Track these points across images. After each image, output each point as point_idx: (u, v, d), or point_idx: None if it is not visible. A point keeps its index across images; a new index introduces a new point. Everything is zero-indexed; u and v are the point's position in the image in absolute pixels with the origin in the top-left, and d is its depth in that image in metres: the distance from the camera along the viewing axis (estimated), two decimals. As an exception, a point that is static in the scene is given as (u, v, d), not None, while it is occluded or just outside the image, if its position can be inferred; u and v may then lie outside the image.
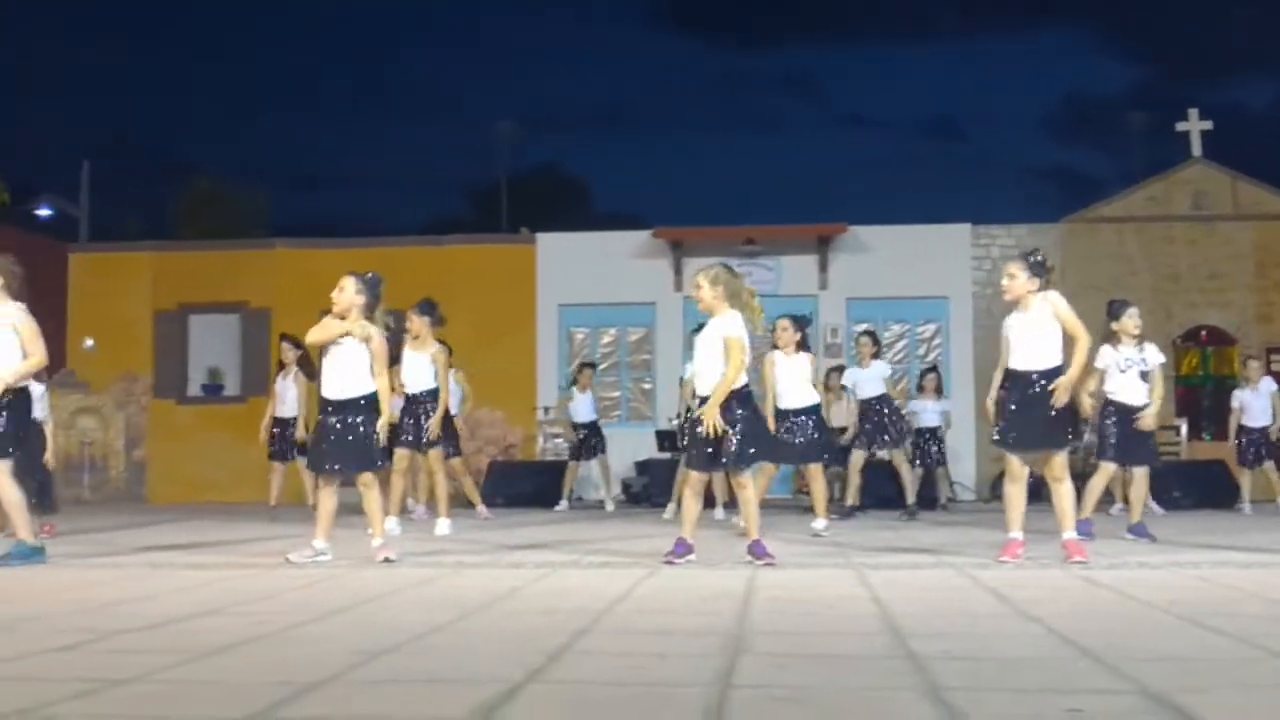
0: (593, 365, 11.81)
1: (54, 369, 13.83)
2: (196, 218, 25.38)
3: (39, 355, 5.53)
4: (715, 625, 3.31)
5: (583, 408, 11.22)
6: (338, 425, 5.52)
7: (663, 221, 14.55)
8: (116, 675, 2.59)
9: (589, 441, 11.14)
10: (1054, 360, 5.37)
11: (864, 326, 11.66)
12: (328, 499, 5.60)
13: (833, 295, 13.67)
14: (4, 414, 5.38)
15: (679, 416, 9.12)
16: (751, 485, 5.44)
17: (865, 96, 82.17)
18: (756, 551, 5.24)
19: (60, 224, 20.07)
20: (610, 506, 11.11)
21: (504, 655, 2.83)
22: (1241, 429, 10.53)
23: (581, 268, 13.83)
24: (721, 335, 5.28)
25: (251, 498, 10.31)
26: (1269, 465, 10.38)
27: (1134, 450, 6.93)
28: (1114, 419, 6.90)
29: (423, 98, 71.50)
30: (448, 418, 8.70)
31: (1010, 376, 5.49)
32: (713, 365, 5.29)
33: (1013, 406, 5.43)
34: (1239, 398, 10.64)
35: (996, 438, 5.53)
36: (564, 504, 11.02)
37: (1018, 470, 5.46)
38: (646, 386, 13.72)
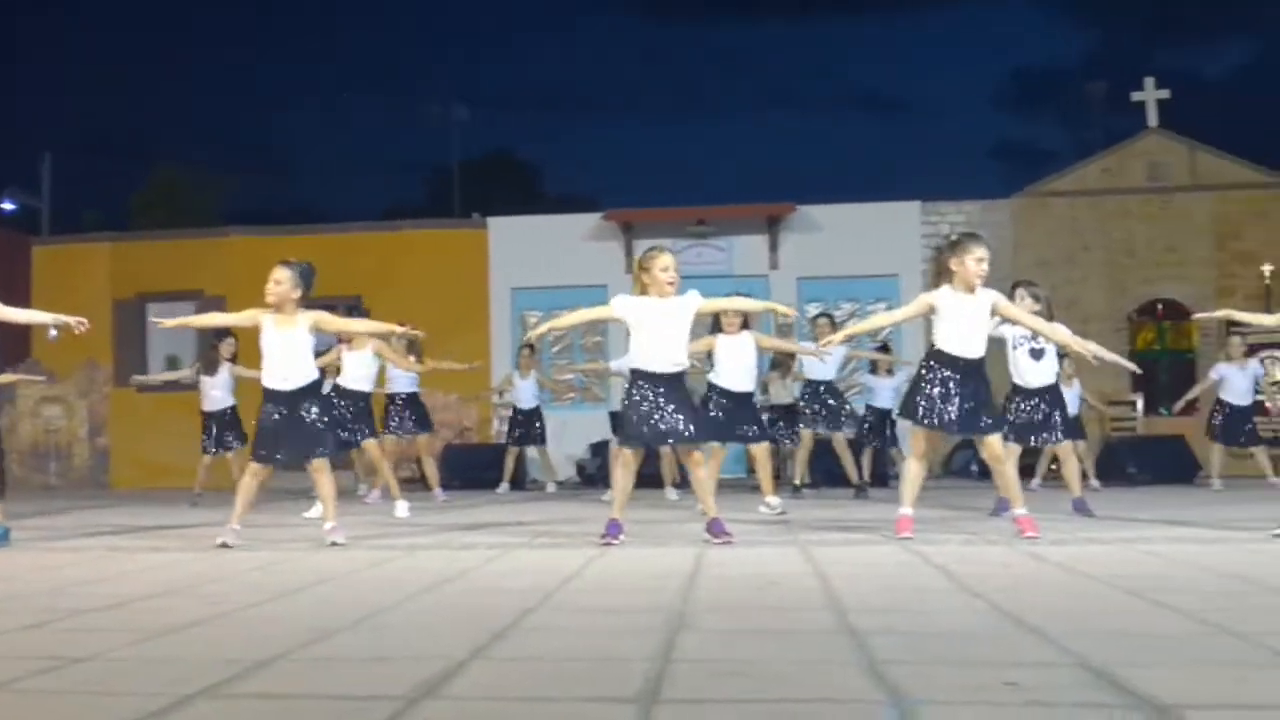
0: (532, 348, 11.79)
1: (20, 357, 13.76)
2: (154, 209, 25.12)
3: None
4: (661, 602, 3.37)
5: (525, 393, 11.23)
6: (284, 415, 5.50)
7: (616, 204, 14.60)
8: (76, 653, 2.65)
9: (531, 427, 11.17)
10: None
11: (817, 308, 11.75)
12: (253, 486, 5.62)
13: (784, 275, 13.71)
14: None
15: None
16: (704, 464, 5.51)
17: (809, 75, 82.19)
18: (715, 530, 5.27)
19: (24, 217, 19.86)
20: (551, 488, 11.28)
21: (452, 633, 2.88)
22: (1222, 404, 10.31)
23: (533, 251, 13.83)
24: (694, 309, 5.40)
25: (211, 484, 10.27)
26: (1260, 449, 10.21)
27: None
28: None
29: (379, 83, 70.96)
30: (415, 399, 9.03)
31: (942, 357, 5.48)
32: (679, 341, 5.36)
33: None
34: (1221, 371, 10.38)
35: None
36: (504, 486, 11.11)
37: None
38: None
